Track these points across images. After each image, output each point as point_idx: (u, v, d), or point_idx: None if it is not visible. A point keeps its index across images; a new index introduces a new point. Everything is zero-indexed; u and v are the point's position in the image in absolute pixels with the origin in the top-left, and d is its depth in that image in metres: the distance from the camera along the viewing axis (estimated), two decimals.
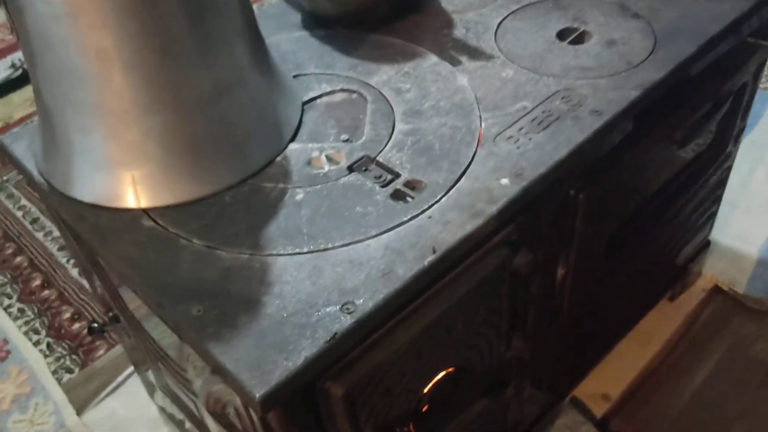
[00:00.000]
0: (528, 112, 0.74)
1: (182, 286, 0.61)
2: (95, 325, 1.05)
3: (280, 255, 0.63)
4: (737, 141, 1.10)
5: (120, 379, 1.28)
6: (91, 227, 0.68)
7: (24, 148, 0.76)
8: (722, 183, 1.16)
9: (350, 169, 0.70)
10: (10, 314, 1.42)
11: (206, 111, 0.67)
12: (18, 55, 2.04)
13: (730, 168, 1.15)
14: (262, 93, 0.73)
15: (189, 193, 0.68)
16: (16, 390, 1.28)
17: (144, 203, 0.68)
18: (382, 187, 0.68)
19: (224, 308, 0.59)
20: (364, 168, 0.70)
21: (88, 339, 1.36)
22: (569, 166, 0.70)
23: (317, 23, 0.90)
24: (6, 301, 1.45)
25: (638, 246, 1.01)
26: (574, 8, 0.89)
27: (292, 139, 0.74)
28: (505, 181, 0.67)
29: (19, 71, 2.01)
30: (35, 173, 0.74)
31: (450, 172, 0.68)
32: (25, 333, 1.38)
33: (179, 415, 1.00)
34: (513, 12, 0.89)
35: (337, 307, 0.58)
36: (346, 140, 0.74)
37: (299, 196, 0.68)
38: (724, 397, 1.19)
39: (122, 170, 0.68)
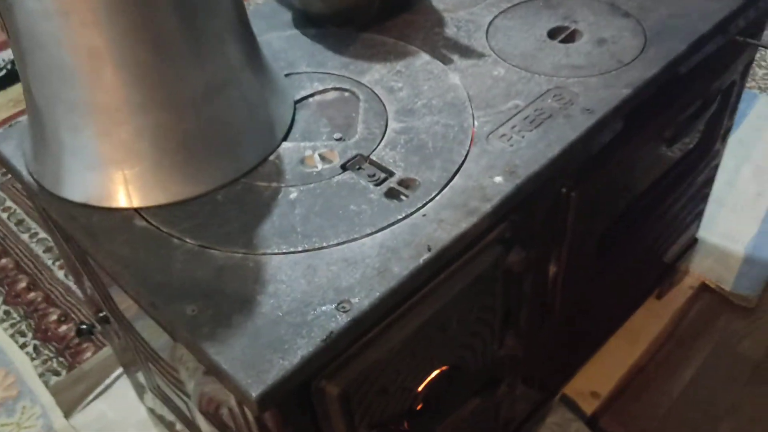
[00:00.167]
0: (520, 111, 0.75)
1: (176, 286, 0.61)
2: (84, 326, 1.04)
3: (275, 254, 0.63)
4: (725, 139, 1.11)
5: (108, 381, 1.27)
6: (83, 227, 0.67)
7: (13, 148, 0.76)
8: (710, 181, 1.17)
9: (344, 167, 0.70)
10: None
11: (199, 110, 0.67)
12: (1, 55, 2.02)
13: (717, 166, 1.16)
14: (254, 92, 0.72)
15: (181, 193, 0.68)
16: (2, 393, 1.27)
17: (136, 202, 0.68)
18: (376, 185, 0.68)
19: (219, 308, 0.58)
20: (357, 167, 0.70)
21: (76, 341, 1.35)
22: (562, 163, 0.70)
23: (308, 22, 0.90)
24: None
25: (628, 244, 1.02)
26: (564, 7, 0.89)
27: (285, 138, 0.74)
28: (498, 179, 0.67)
29: (2, 72, 1.99)
30: (25, 173, 0.73)
31: (443, 171, 0.68)
32: (12, 335, 1.36)
33: (169, 417, 1.00)
34: (504, 11, 0.89)
35: (333, 306, 0.58)
36: (339, 139, 0.74)
37: (293, 195, 0.68)
38: (712, 393, 1.20)
39: (114, 169, 0.67)
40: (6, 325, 1.39)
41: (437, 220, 0.64)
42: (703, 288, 1.35)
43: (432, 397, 0.71)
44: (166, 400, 0.92)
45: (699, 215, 1.25)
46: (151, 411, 1.11)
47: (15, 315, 1.41)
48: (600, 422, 1.17)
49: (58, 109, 0.66)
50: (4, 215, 1.62)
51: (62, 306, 1.42)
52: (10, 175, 0.71)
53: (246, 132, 0.71)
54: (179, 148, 0.67)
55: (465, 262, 0.66)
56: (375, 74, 0.81)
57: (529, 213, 0.72)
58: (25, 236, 1.57)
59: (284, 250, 0.63)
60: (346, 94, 0.80)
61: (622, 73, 0.78)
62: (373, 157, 0.71)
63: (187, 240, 0.64)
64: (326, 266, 0.61)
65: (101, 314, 0.90)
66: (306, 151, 0.73)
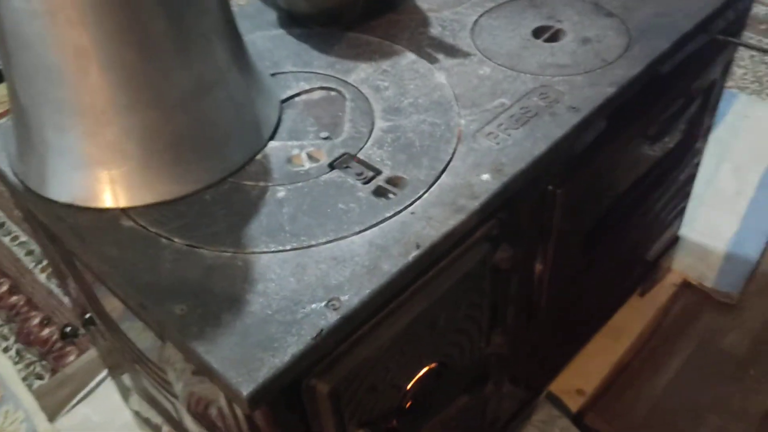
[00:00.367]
0: (506, 109, 0.75)
1: (164, 286, 0.60)
2: (68, 329, 1.03)
3: (263, 253, 0.62)
4: (706, 137, 1.12)
5: (92, 384, 1.26)
6: (69, 228, 0.67)
7: None
8: (691, 179, 1.19)
9: (331, 166, 0.70)
10: None
11: (186, 109, 0.67)
12: None
13: (698, 164, 1.18)
14: (241, 91, 0.72)
15: (169, 192, 0.68)
16: None
17: (123, 203, 0.67)
18: (364, 184, 0.68)
19: (208, 307, 0.58)
20: (345, 165, 0.70)
21: (59, 345, 1.34)
22: (548, 161, 0.71)
23: (293, 22, 0.90)
24: None
25: (612, 242, 1.03)
26: (548, 6, 0.90)
27: (272, 138, 0.74)
28: (485, 176, 0.68)
29: None
30: (9, 174, 0.72)
31: (431, 169, 0.69)
32: None
33: (156, 419, 0.99)
34: (488, 10, 0.90)
35: (323, 304, 0.58)
36: (326, 138, 0.74)
37: (280, 194, 0.68)
38: (696, 389, 1.22)
39: (100, 169, 0.67)
40: None
41: (426, 218, 0.64)
42: (686, 285, 1.37)
43: (421, 395, 0.72)
44: (153, 402, 0.91)
45: (681, 213, 1.27)
46: (137, 414, 1.10)
47: None
48: (585, 419, 1.18)
49: (44, 109, 0.66)
50: None
51: (45, 309, 1.40)
52: None
53: (233, 131, 0.71)
54: (166, 148, 0.67)
55: (453, 260, 0.67)
56: (361, 73, 0.81)
57: (516, 210, 0.73)
58: (6, 239, 1.55)
59: (273, 249, 0.63)
60: (333, 93, 0.80)
61: (606, 72, 0.79)
62: (360, 156, 0.71)
63: (176, 240, 0.64)
64: (315, 264, 0.61)
65: (86, 316, 0.89)
66: (293, 150, 0.73)
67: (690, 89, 0.92)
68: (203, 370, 0.56)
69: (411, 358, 0.68)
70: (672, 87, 0.88)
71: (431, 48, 0.84)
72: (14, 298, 1.43)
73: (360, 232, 0.63)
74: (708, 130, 1.12)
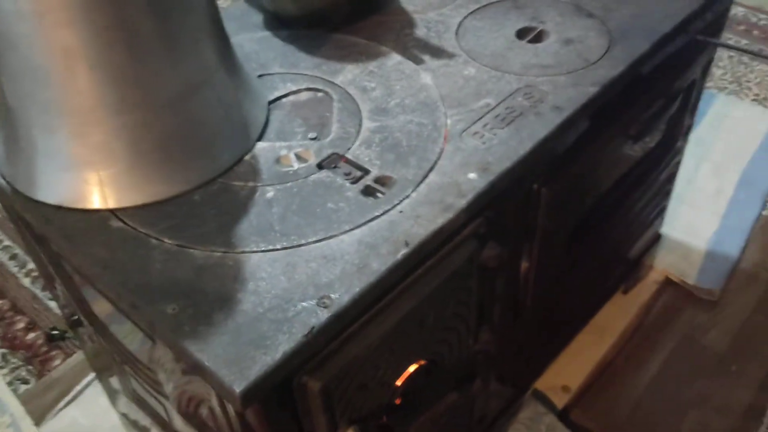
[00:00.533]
0: (492, 109, 0.76)
1: (155, 286, 0.61)
2: (55, 332, 1.03)
3: (253, 252, 0.63)
4: (686, 136, 1.14)
5: (79, 387, 1.25)
6: (58, 229, 0.67)
7: None
8: (672, 177, 1.21)
9: (320, 166, 0.71)
10: None
11: (174, 110, 0.67)
12: None
13: (679, 163, 1.20)
14: (229, 92, 0.73)
15: (158, 193, 0.68)
16: None
17: (112, 204, 0.68)
18: (353, 183, 0.69)
19: (199, 306, 0.59)
20: (333, 165, 0.71)
21: (44, 349, 1.33)
22: (533, 160, 0.72)
23: (279, 23, 0.91)
24: None
25: (596, 240, 1.04)
26: (531, 8, 0.91)
27: (260, 138, 0.75)
28: (472, 175, 0.69)
29: None
30: None
31: (419, 168, 0.70)
32: None
33: (143, 422, 0.99)
34: (472, 12, 0.91)
35: (314, 302, 0.58)
36: (314, 138, 0.74)
37: (270, 194, 0.68)
38: (678, 385, 1.23)
39: (89, 171, 0.67)
40: None
41: (414, 216, 0.65)
42: (668, 282, 1.38)
43: (410, 392, 0.72)
44: (142, 404, 0.91)
45: (662, 211, 1.29)
46: (125, 416, 1.10)
47: None
48: (571, 415, 1.20)
49: (32, 110, 0.66)
50: None
51: (29, 314, 1.40)
52: None
53: (221, 132, 0.71)
54: (155, 149, 0.67)
55: (441, 258, 0.68)
56: (348, 74, 0.82)
57: (503, 209, 0.74)
58: None
59: (263, 248, 0.63)
60: (320, 94, 0.80)
61: (589, 72, 0.80)
62: (348, 156, 0.72)
63: (165, 240, 0.64)
64: (305, 263, 0.62)
65: (74, 318, 0.89)
66: (281, 151, 0.73)
67: (670, 89, 0.94)
68: (196, 369, 0.57)
69: (401, 355, 0.69)
70: (653, 87, 0.90)
71: (417, 49, 0.85)
72: None
73: (349, 230, 0.64)
74: (688, 129, 1.14)
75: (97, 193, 0.67)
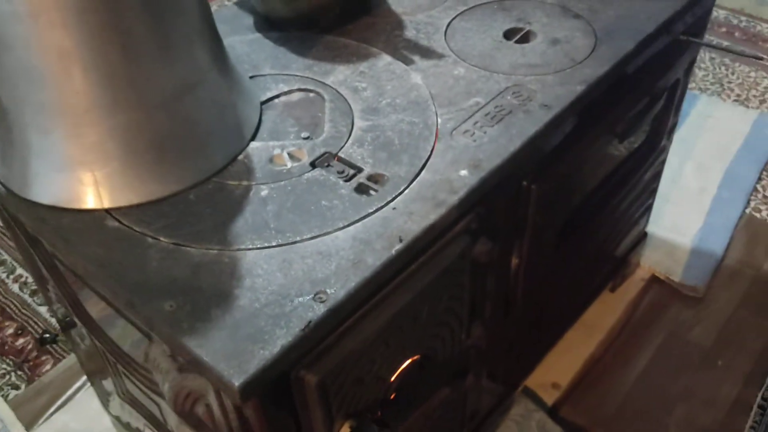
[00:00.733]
0: (481, 107, 0.77)
1: (152, 284, 0.61)
2: (47, 335, 1.03)
3: (249, 249, 0.64)
4: (671, 135, 1.16)
5: (70, 392, 1.25)
6: (53, 229, 0.67)
7: None
8: (657, 176, 1.23)
9: (313, 165, 0.72)
10: None
11: (169, 110, 0.68)
12: None
13: (664, 161, 1.22)
14: (222, 92, 0.73)
15: (153, 193, 0.69)
16: None
17: (107, 203, 0.68)
18: (346, 181, 0.70)
19: (197, 303, 0.59)
20: (326, 164, 0.72)
21: (34, 354, 1.32)
22: (523, 157, 0.73)
23: (270, 26, 0.92)
24: None
25: (584, 238, 1.06)
26: (518, 9, 0.93)
27: (253, 138, 0.75)
28: (464, 172, 0.70)
29: None
30: None
31: (411, 165, 0.71)
32: None
33: (137, 423, 0.99)
34: (460, 13, 0.93)
35: (310, 297, 0.59)
36: (307, 138, 0.75)
37: (264, 193, 0.69)
38: (665, 380, 1.25)
39: (84, 171, 0.67)
40: None
41: (407, 213, 0.66)
42: (654, 280, 1.40)
43: (404, 387, 0.73)
44: (136, 405, 0.91)
45: (648, 209, 1.31)
46: (117, 419, 1.10)
47: None
48: (561, 412, 1.21)
49: (26, 111, 0.66)
50: None
51: (18, 319, 1.39)
52: None
53: (215, 132, 0.72)
54: (150, 149, 0.68)
55: (434, 253, 0.69)
56: (339, 75, 0.83)
57: (494, 205, 0.75)
58: None
59: (258, 246, 0.64)
60: (312, 94, 0.81)
61: (575, 71, 0.82)
62: (341, 155, 0.73)
63: (161, 239, 0.65)
64: (301, 259, 0.63)
65: (66, 320, 0.89)
66: (275, 150, 0.74)
67: (655, 88, 0.96)
68: (194, 365, 0.57)
69: (395, 350, 0.69)
70: (638, 85, 0.91)
71: (407, 50, 0.86)
72: None
73: (344, 227, 0.65)
74: (673, 128, 1.16)
75: (92, 192, 0.68)
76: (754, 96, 1.83)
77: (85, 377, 1.25)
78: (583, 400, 1.23)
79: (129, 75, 0.65)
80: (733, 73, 1.90)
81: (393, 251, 0.63)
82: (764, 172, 1.62)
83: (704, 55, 1.96)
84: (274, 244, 0.64)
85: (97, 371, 0.99)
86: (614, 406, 1.22)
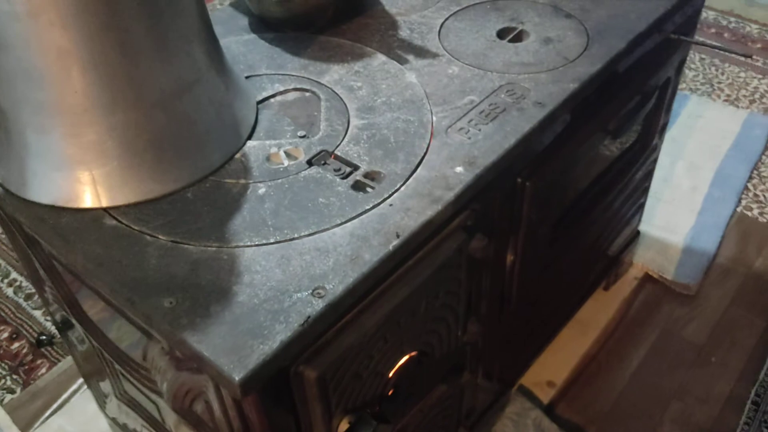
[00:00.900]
0: (476, 105, 0.78)
1: (151, 281, 0.62)
2: (43, 337, 1.03)
3: (247, 246, 0.64)
4: (662, 134, 1.17)
5: (65, 395, 1.25)
6: (51, 228, 0.67)
7: None
8: (649, 175, 1.24)
9: (309, 163, 0.72)
10: None
11: (167, 109, 0.68)
12: None
13: (656, 160, 1.23)
14: (219, 92, 0.74)
15: (151, 191, 0.69)
16: None
17: (105, 202, 0.68)
18: (343, 179, 0.70)
19: (196, 299, 0.60)
20: (322, 162, 0.72)
21: (29, 358, 1.32)
22: (517, 153, 0.74)
23: (265, 26, 0.92)
24: None
25: (578, 236, 1.07)
26: (511, 9, 0.94)
27: (250, 137, 0.76)
28: (459, 169, 0.71)
29: None
30: None
31: (407, 163, 0.71)
32: None
33: (134, 425, 0.99)
34: (454, 13, 0.93)
35: (308, 292, 0.60)
36: (303, 136, 0.76)
37: (261, 191, 0.70)
38: (660, 377, 1.26)
39: (82, 170, 0.68)
40: None
41: (404, 209, 0.67)
42: (647, 278, 1.42)
43: (402, 383, 0.74)
44: (134, 405, 0.91)
45: (640, 208, 1.32)
46: (114, 421, 1.10)
47: None
48: (556, 410, 1.22)
49: (24, 110, 0.66)
50: None
51: (13, 323, 1.39)
52: None
53: (212, 131, 0.73)
54: (148, 148, 0.68)
55: (431, 249, 0.69)
56: (334, 75, 0.84)
57: (489, 202, 0.76)
58: None
59: (257, 243, 0.64)
60: (307, 94, 0.82)
61: (568, 69, 0.83)
62: (337, 153, 0.73)
63: (160, 236, 0.65)
64: (299, 256, 0.63)
65: (64, 321, 0.89)
66: (271, 149, 0.75)
67: (646, 86, 0.97)
68: (194, 360, 0.58)
69: (393, 345, 0.70)
70: (629, 84, 0.92)
71: (401, 50, 0.87)
72: None
73: (341, 224, 0.66)
74: (664, 126, 1.17)
75: (90, 191, 0.68)
76: (744, 96, 1.85)
77: (80, 381, 1.25)
78: (579, 397, 1.23)
79: (128, 74, 0.65)
80: (722, 74, 1.92)
81: (390, 247, 0.63)
82: (755, 171, 1.64)
83: (694, 56, 1.97)
84: (272, 240, 0.65)
85: (95, 372, 0.99)
86: (609, 404, 1.22)
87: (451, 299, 0.75)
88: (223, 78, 0.75)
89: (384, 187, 0.69)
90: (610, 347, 1.31)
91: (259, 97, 0.81)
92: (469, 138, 0.74)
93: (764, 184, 1.61)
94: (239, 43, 0.90)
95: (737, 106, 1.82)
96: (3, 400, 1.25)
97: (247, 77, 0.84)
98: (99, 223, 0.67)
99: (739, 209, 1.55)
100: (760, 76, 1.91)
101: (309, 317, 0.58)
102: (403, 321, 0.69)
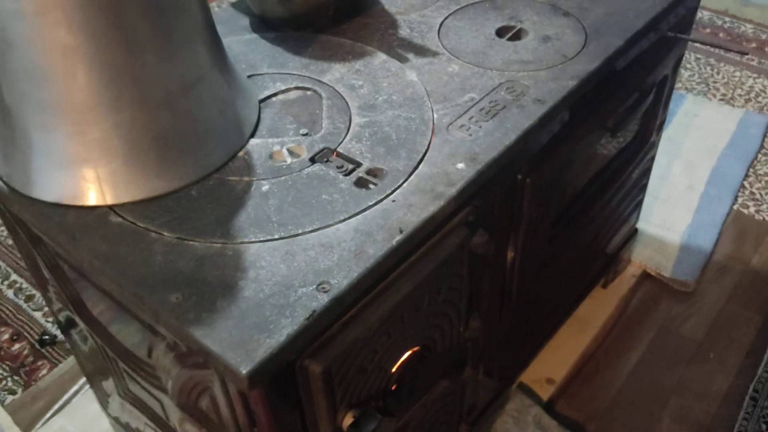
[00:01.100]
0: (476, 103, 0.79)
1: (158, 277, 0.62)
2: (46, 337, 1.04)
3: (252, 242, 0.65)
4: (659, 132, 1.18)
5: (66, 396, 1.25)
6: (57, 226, 0.68)
7: None
8: (647, 172, 1.25)
9: (312, 160, 0.73)
10: None
11: (171, 107, 0.69)
12: None
13: (653, 158, 1.24)
14: (222, 90, 0.74)
15: (156, 189, 0.69)
16: None
17: (110, 200, 0.69)
18: (345, 175, 0.71)
19: (202, 294, 0.60)
20: (325, 159, 0.73)
21: (31, 359, 1.32)
22: (517, 150, 0.75)
23: (266, 26, 0.93)
24: None
25: (577, 232, 1.08)
26: (509, 8, 0.95)
27: (252, 135, 0.77)
28: (461, 165, 0.71)
29: None
30: None
31: (409, 159, 0.72)
32: None
33: (136, 423, 1.00)
34: (453, 12, 0.94)
35: (313, 287, 0.60)
36: (306, 134, 0.76)
37: (265, 188, 0.70)
38: (658, 374, 1.27)
39: (87, 168, 0.68)
40: None
41: (407, 205, 0.67)
42: (645, 275, 1.43)
43: (405, 378, 0.74)
44: (138, 403, 0.92)
45: (638, 206, 1.33)
46: (116, 420, 1.10)
47: None
48: (556, 406, 1.22)
49: (29, 109, 0.67)
50: None
51: (13, 324, 1.39)
52: None
53: (216, 129, 0.73)
54: (153, 145, 0.69)
55: (434, 245, 0.70)
56: (335, 73, 0.84)
57: (490, 198, 0.76)
58: None
59: (261, 239, 0.65)
60: (309, 92, 0.83)
61: (567, 67, 0.84)
62: (340, 150, 0.74)
63: (165, 233, 0.66)
64: (304, 251, 0.64)
65: (67, 319, 0.90)
66: (274, 147, 0.75)
67: (644, 83, 0.98)
68: (201, 355, 0.58)
69: (397, 340, 0.71)
70: (627, 81, 0.93)
71: (401, 48, 0.88)
72: None
73: (345, 220, 0.66)
74: (662, 124, 1.18)
75: (95, 189, 0.69)
76: (739, 95, 1.86)
77: (82, 381, 1.26)
78: (578, 394, 1.24)
79: (132, 72, 0.66)
80: (718, 73, 1.94)
81: (394, 242, 0.64)
82: (750, 169, 1.65)
83: (690, 56, 1.99)
84: (276, 236, 0.65)
85: (97, 372, 0.99)
86: (608, 400, 1.23)
87: (453, 295, 0.76)
88: (225, 77, 0.76)
89: (387, 184, 0.70)
90: (608, 344, 1.32)
91: (261, 96, 0.81)
92: (470, 135, 0.75)
93: (760, 182, 1.62)
94: (241, 42, 0.90)
95: (733, 105, 1.83)
96: (4, 401, 1.26)
97: (249, 76, 0.85)
98: (104, 220, 0.68)
99: (735, 207, 1.57)
100: (755, 76, 1.92)
101: (314, 311, 0.59)
102: (407, 316, 0.70)
